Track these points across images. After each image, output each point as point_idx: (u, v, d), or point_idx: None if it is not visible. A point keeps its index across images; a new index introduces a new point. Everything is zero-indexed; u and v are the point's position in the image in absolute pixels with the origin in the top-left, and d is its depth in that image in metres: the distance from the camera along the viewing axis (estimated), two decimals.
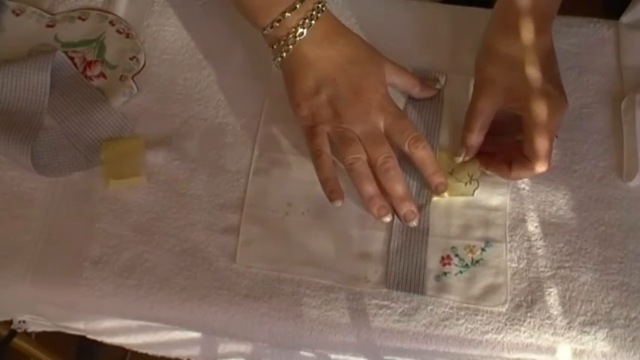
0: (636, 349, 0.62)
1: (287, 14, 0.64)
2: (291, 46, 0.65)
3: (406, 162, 0.67)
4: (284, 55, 0.65)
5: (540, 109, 0.63)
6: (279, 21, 0.64)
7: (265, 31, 0.66)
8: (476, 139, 0.67)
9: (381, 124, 0.65)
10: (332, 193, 0.64)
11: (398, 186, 0.64)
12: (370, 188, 0.64)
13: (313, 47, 0.65)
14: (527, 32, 0.65)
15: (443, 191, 0.66)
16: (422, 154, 0.65)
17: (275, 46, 0.66)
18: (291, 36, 0.64)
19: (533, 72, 0.65)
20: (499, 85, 0.66)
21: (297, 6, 0.64)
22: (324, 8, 0.65)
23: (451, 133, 0.71)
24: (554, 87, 0.65)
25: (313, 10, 0.65)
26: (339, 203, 0.64)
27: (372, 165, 0.65)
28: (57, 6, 0.78)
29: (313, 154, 0.65)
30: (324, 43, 0.65)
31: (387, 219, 0.65)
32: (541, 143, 0.63)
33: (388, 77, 0.68)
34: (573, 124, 0.72)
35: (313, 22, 0.64)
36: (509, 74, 0.65)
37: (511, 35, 0.66)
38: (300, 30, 0.64)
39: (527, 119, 0.64)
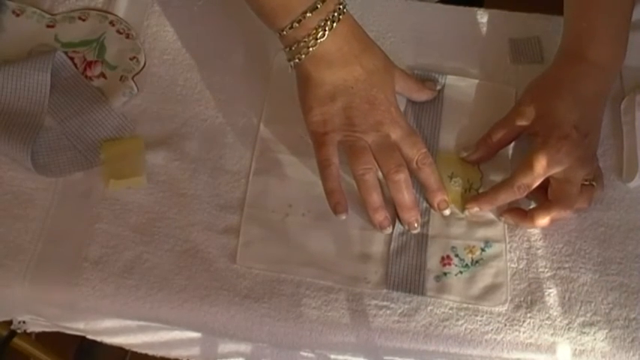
0: (635, 349, 0.62)
1: (308, 14, 0.62)
2: (311, 49, 0.63)
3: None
4: (302, 57, 0.64)
5: (552, 146, 0.64)
6: (299, 21, 0.63)
7: (284, 32, 0.64)
8: (489, 146, 0.69)
9: (393, 136, 0.65)
10: (337, 205, 0.64)
11: (407, 195, 0.65)
12: (377, 199, 0.65)
13: (332, 51, 0.64)
14: (578, 74, 0.67)
15: (444, 209, 0.66)
16: (428, 170, 0.66)
17: (293, 47, 0.64)
18: (311, 37, 0.63)
19: (564, 110, 0.66)
20: (534, 111, 0.67)
21: (318, 6, 0.62)
22: (345, 10, 0.64)
23: (451, 134, 0.71)
24: (580, 135, 0.65)
25: (335, 11, 0.63)
26: (343, 216, 0.64)
27: (383, 174, 0.65)
28: (57, 6, 0.78)
29: (321, 164, 0.65)
30: (344, 47, 0.64)
31: (388, 230, 0.66)
32: (531, 172, 0.64)
33: (396, 84, 0.68)
34: None
35: (335, 23, 0.63)
36: (547, 105, 0.67)
37: (564, 71, 0.68)
38: (321, 32, 0.63)
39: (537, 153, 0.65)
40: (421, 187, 0.67)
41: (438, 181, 0.66)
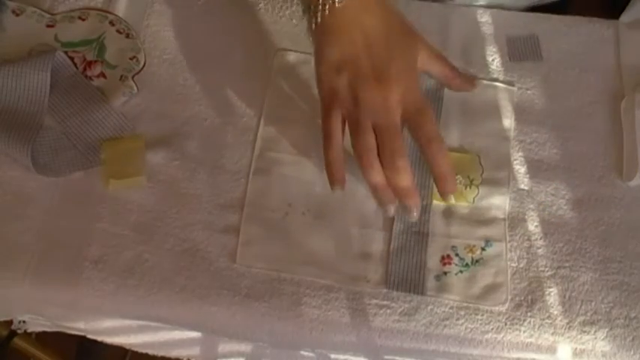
0: (636, 348, 0.62)
1: None
2: (327, 11, 0.60)
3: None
4: (319, 19, 0.61)
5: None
6: None
7: None
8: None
9: (398, 115, 0.61)
10: (332, 176, 0.61)
11: (403, 178, 0.60)
12: (378, 178, 0.61)
13: (349, 13, 0.61)
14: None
15: (449, 197, 0.61)
16: (434, 154, 0.60)
17: (312, 7, 0.61)
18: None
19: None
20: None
21: None
22: None
23: (451, 133, 0.71)
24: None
25: None
26: (338, 189, 0.61)
27: (380, 156, 0.61)
28: (57, 6, 0.78)
29: (324, 135, 0.62)
30: (360, 13, 0.61)
31: (391, 211, 0.61)
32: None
33: (422, 64, 0.64)
34: (573, 123, 0.72)
35: None
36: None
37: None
38: None
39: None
40: (427, 167, 0.64)
41: (444, 164, 0.61)
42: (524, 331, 0.63)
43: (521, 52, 0.76)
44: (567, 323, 0.63)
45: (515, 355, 0.63)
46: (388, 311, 0.63)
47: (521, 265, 0.65)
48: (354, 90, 0.61)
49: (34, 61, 0.70)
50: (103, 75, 0.73)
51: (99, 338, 0.74)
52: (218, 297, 0.64)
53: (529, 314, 0.63)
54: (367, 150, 0.60)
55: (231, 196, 0.68)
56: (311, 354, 0.68)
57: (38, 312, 0.70)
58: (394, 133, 0.61)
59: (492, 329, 0.63)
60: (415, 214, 0.61)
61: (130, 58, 0.74)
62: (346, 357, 0.68)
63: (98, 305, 0.65)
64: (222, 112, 0.73)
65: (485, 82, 0.74)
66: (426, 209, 0.67)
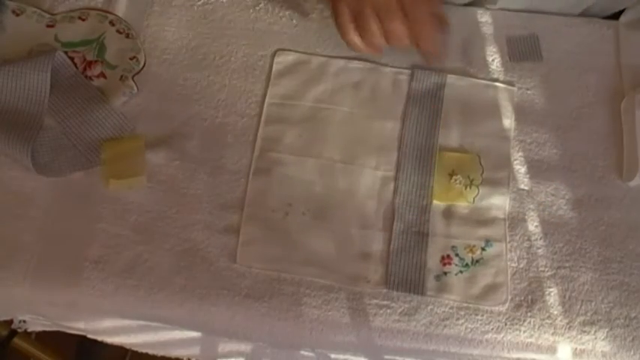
0: (636, 348, 0.62)
1: None
2: None
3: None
4: None
5: None
6: None
7: None
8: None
9: None
10: (367, 51, 0.67)
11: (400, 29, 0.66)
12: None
13: None
14: None
15: (429, 57, 0.70)
16: (423, 37, 0.67)
17: None
18: None
19: None
20: None
21: None
22: None
23: (451, 133, 0.71)
24: None
25: None
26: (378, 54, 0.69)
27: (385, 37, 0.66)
28: (57, 6, 0.78)
29: (339, 31, 0.67)
30: None
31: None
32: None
33: None
34: (573, 123, 0.72)
35: None
36: None
37: None
38: None
39: None
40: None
41: (433, 43, 0.67)
42: (524, 331, 0.63)
43: (521, 52, 0.76)
44: (567, 323, 0.63)
45: (515, 355, 0.63)
46: (388, 311, 0.63)
47: (521, 265, 0.65)
48: None
49: (34, 61, 0.70)
50: (103, 75, 0.73)
51: (99, 338, 0.74)
52: (218, 297, 0.64)
53: (529, 314, 0.63)
54: (371, 40, 0.66)
55: (231, 196, 0.68)
56: (311, 354, 0.68)
57: (38, 312, 0.70)
58: (392, 12, 0.65)
59: (492, 329, 0.63)
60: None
61: (130, 58, 0.74)
62: (346, 357, 0.68)
63: (98, 305, 0.65)
64: (222, 112, 0.73)
65: (485, 82, 0.74)
66: (425, 209, 0.67)
